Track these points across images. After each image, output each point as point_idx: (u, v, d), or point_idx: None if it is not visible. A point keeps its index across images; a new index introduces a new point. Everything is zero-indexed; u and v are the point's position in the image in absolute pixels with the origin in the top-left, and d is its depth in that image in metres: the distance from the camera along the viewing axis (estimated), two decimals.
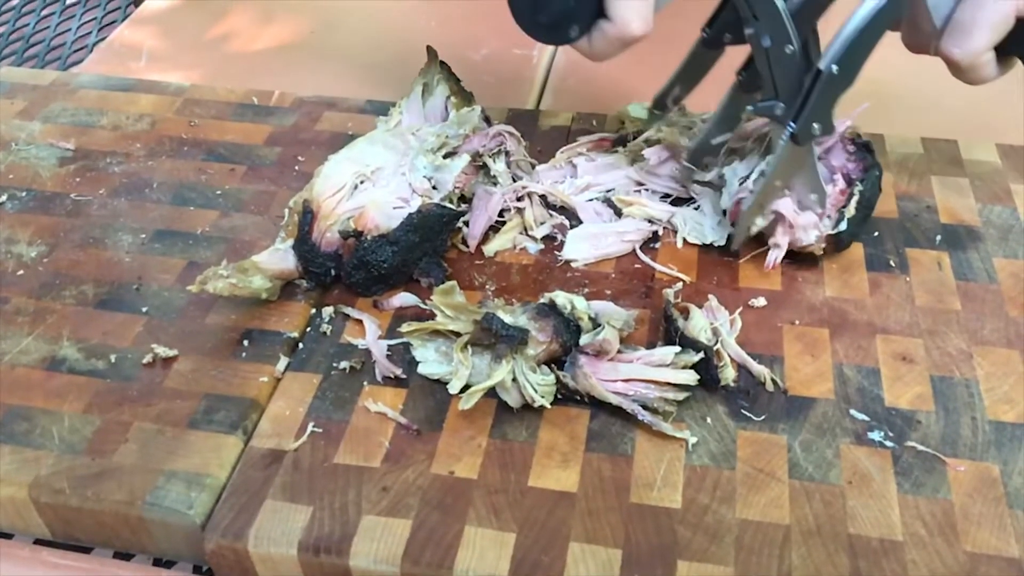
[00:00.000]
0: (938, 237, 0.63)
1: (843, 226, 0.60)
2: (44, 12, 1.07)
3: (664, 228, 0.65)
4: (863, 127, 0.72)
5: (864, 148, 0.62)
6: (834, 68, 0.54)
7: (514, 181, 0.67)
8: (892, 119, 0.75)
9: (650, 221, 0.65)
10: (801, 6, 0.55)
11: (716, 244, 0.63)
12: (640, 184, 0.67)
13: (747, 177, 0.60)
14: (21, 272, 0.63)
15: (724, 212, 0.63)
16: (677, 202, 0.66)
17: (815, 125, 0.56)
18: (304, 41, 0.92)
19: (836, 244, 0.61)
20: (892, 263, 0.62)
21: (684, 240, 0.64)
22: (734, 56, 0.61)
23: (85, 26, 1.04)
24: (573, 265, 0.62)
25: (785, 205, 0.59)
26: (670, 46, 0.82)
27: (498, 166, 0.67)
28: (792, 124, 0.56)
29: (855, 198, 0.60)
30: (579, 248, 0.63)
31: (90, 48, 0.99)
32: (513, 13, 0.56)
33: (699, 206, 0.65)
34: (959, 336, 0.56)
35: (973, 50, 0.55)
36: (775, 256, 0.61)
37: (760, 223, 0.60)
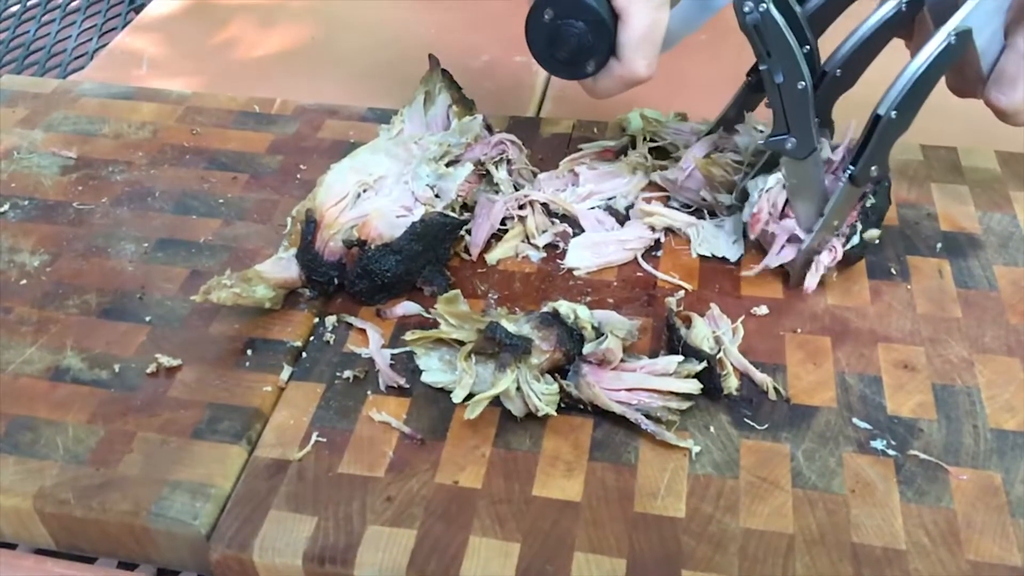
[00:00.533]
0: (939, 245, 0.64)
1: (855, 240, 0.60)
2: (44, 19, 1.07)
3: (666, 236, 0.65)
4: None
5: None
6: (893, 114, 0.55)
7: (516, 189, 0.67)
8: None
9: (652, 228, 0.65)
10: (814, 11, 0.56)
11: (729, 260, 0.63)
12: (660, 190, 0.67)
13: (768, 189, 0.60)
14: (24, 282, 0.63)
15: (744, 226, 0.62)
16: (695, 213, 0.66)
17: (873, 168, 0.57)
18: (305, 48, 0.92)
19: (848, 260, 0.61)
20: (893, 271, 0.62)
21: (696, 252, 0.63)
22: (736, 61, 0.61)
23: (85, 33, 1.04)
24: (575, 273, 0.63)
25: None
26: (672, 55, 0.82)
27: (500, 174, 0.67)
28: (852, 167, 0.57)
29: (867, 210, 0.60)
30: (581, 256, 0.63)
31: (91, 55, 0.99)
32: (531, 48, 0.58)
33: (721, 223, 0.65)
34: (960, 344, 0.57)
35: (1019, 99, 0.57)
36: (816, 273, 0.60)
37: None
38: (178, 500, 0.49)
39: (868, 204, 0.60)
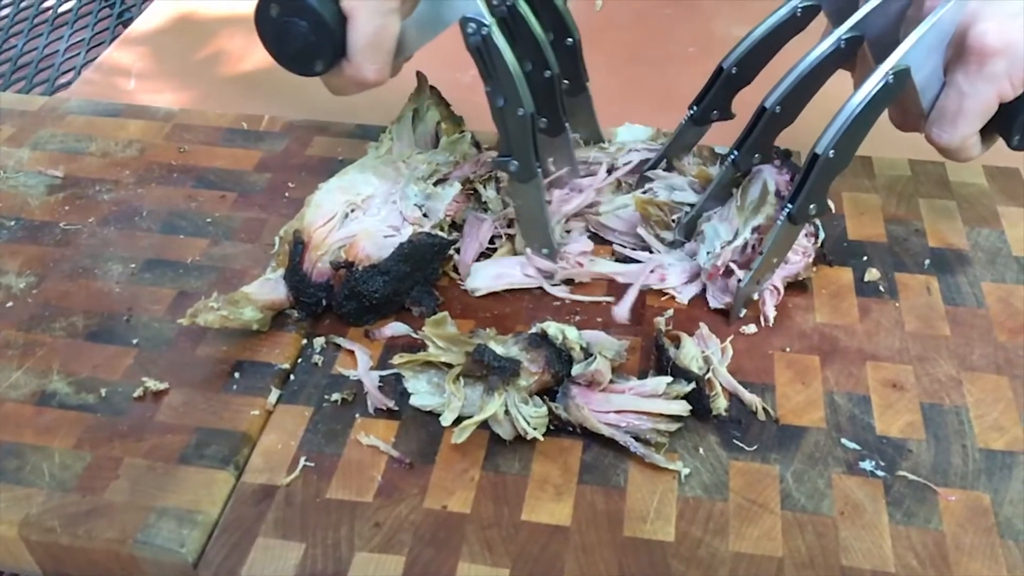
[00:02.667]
0: (927, 261, 0.64)
1: (822, 234, 0.61)
2: (32, 33, 1.06)
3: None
4: None
5: (784, 155, 0.62)
6: (831, 153, 0.55)
7: (505, 207, 0.67)
8: (879, 138, 0.75)
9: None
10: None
11: (684, 303, 0.61)
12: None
13: (730, 242, 0.60)
14: (10, 304, 0.62)
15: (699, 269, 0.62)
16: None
17: (811, 206, 0.57)
18: None
19: (824, 256, 0.62)
20: (882, 288, 0.62)
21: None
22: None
23: (73, 48, 1.04)
24: (476, 295, 0.62)
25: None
26: (661, 69, 0.82)
27: (489, 192, 0.67)
28: (790, 205, 0.57)
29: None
30: (481, 278, 0.63)
31: (78, 70, 0.99)
32: (263, 43, 0.58)
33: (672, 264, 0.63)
34: (949, 362, 0.57)
35: (960, 136, 0.57)
36: (771, 305, 0.60)
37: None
38: (165, 527, 0.49)
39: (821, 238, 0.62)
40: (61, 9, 1.11)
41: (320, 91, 0.88)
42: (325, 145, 0.76)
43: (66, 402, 0.56)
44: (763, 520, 0.49)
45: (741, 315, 0.60)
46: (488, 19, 0.54)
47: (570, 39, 0.63)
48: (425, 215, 0.63)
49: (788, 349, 0.58)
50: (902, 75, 0.54)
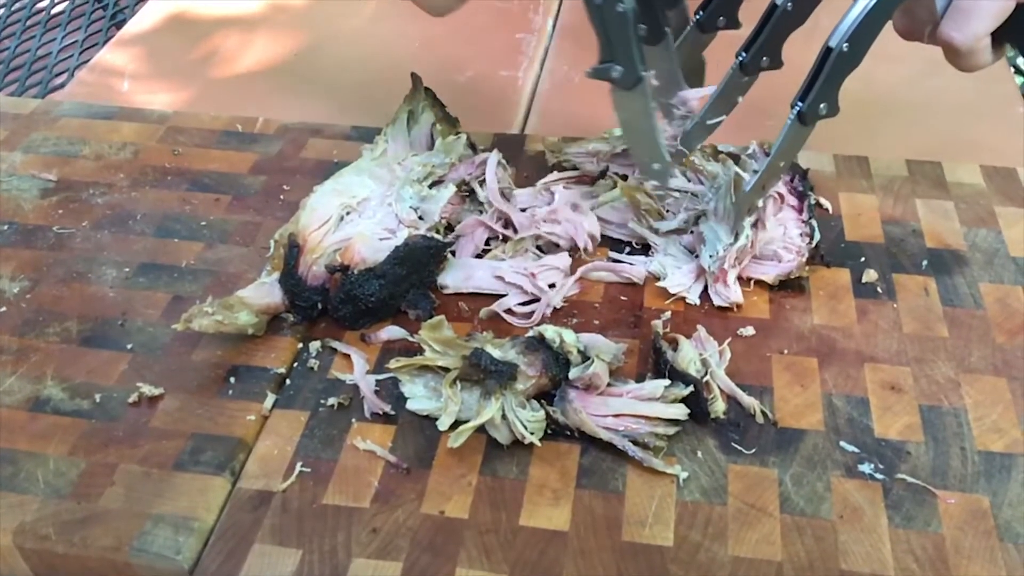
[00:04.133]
0: (924, 262, 0.64)
1: (817, 235, 0.61)
2: (24, 35, 1.06)
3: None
4: (849, 149, 0.73)
5: (802, 173, 0.63)
6: (845, 47, 0.53)
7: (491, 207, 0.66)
8: (875, 139, 0.75)
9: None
10: None
11: (691, 301, 0.61)
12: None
13: (732, 243, 0.60)
14: (4, 309, 0.62)
15: (702, 268, 0.62)
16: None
17: (822, 105, 0.55)
18: (288, 64, 0.92)
19: (821, 257, 0.62)
20: (879, 289, 0.62)
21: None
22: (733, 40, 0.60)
23: (66, 49, 1.03)
24: (444, 292, 0.62)
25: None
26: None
27: (485, 193, 0.67)
28: (800, 103, 0.55)
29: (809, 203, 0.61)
30: (452, 276, 0.62)
31: (71, 72, 0.98)
32: None
33: (678, 265, 0.63)
34: (947, 364, 0.57)
35: (973, 34, 0.55)
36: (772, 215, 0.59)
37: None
38: (160, 534, 0.49)
39: (809, 197, 0.61)
40: (54, 11, 1.10)
41: (315, 93, 0.88)
42: (320, 147, 0.76)
43: (60, 408, 0.55)
44: (762, 524, 0.48)
45: (745, 224, 0.59)
46: None
47: None
48: (421, 217, 0.63)
49: (786, 351, 0.58)
50: None
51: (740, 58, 0.58)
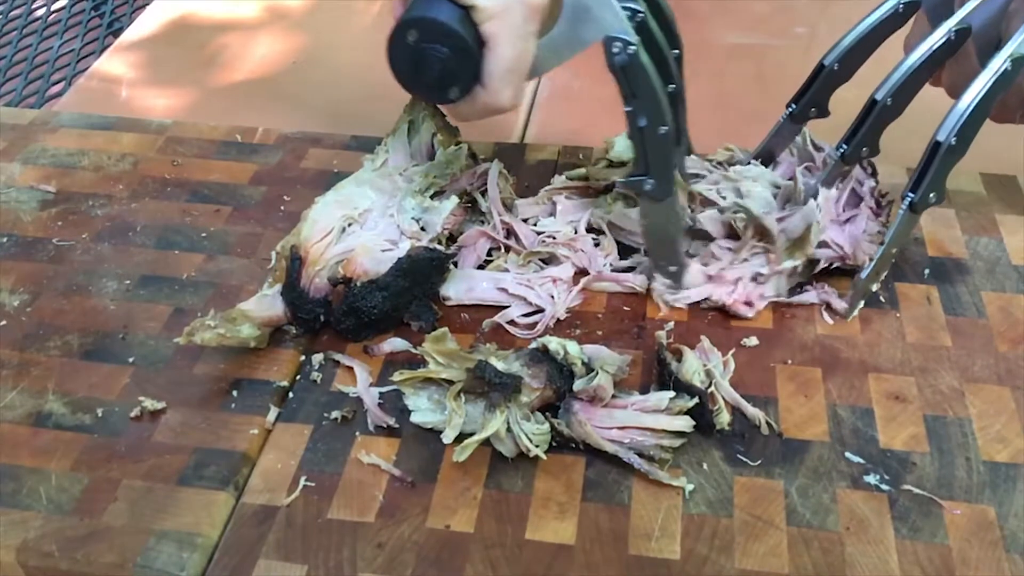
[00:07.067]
0: (926, 271, 0.64)
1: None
2: (21, 44, 1.06)
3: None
4: None
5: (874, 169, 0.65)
6: (953, 140, 0.56)
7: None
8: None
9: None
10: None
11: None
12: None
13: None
14: (4, 322, 0.62)
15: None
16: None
17: (931, 194, 0.58)
18: (287, 72, 0.91)
19: None
20: (882, 298, 0.62)
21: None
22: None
23: (63, 57, 1.03)
24: (447, 304, 0.62)
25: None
26: None
27: (486, 203, 0.67)
28: (911, 194, 0.58)
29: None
30: (454, 288, 0.62)
31: (69, 80, 0.98)
32: (393, 70, 0.55)
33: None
34: (950, 373, 0.57)
35: None
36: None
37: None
38: (164, 551, 0.48)
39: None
40: (50, 19, 1.10)
41: (315, 102, 0.88)
42: (320, 157, 0.75)
43: (62, 423, 0.55)
44: (769, 536, 0.48)
45: (856, 311, 0.60)
46: (634, 38, 0.52)
47: (676, 50, 0.61)
48: (423, 228, 0.63)
49: (790, 361, 0.58)
50: (1020, 62, 0.56)
51: (842, 150, 0.61)
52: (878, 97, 0.59)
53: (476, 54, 0.54)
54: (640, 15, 0.55)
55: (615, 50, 0.53)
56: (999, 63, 0.56)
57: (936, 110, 0.58)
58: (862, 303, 0.61)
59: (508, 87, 0.54)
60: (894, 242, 0.59)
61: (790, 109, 0.65)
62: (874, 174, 0.65)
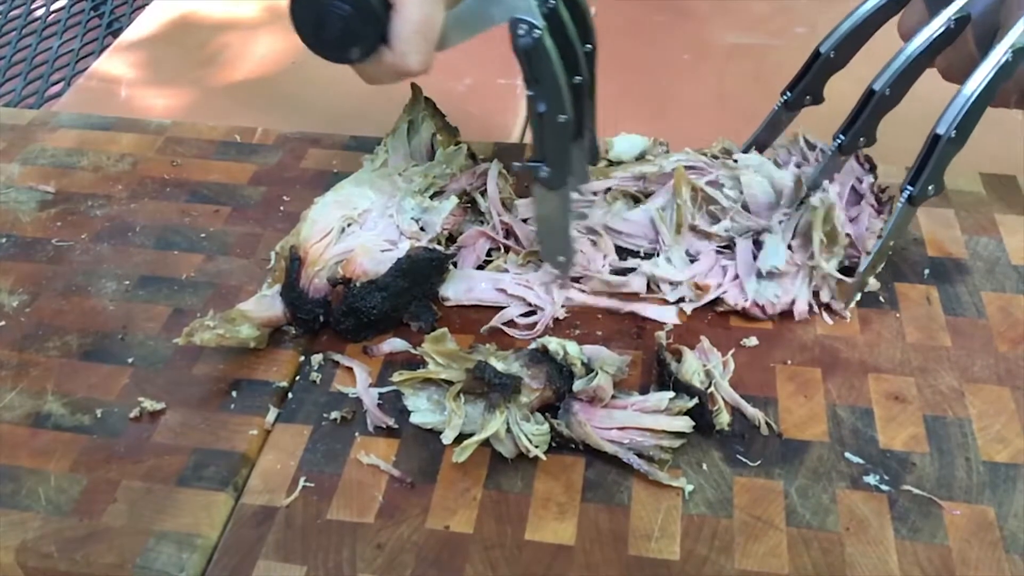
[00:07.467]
0: (926, 271, 0.64)
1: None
2: (20, 44, 1.05)
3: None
4: None
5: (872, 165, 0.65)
6: (952, 133, 0.56)
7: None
8: (874, 147, 0.75)
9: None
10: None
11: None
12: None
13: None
14: (3, 323, 0.62)
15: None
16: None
17: (930, 187, 0.58)
18: (286, 72, 0.91)
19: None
20: (882, 298, 0.62)
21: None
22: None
23: (62, 58, 1.03)
24: (447, 304, 0.62)
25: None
26: (654, 77, 0.82)
27: (486, 203, 0.67)
28: (910, 187, 0.58)
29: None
30: (453, 288, 0.62)
31: (68, 81, 0.98)
32: (296, 27, 0.55)
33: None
34: (950, 374, 0.57)
35: None
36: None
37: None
38: (164, 551, 0.48)
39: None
40: (50, 19, 1.10)
41: (314, 102, 0.88)
42: (319, 157, 0.75)
43: (61, 424, 0.55)
44: (769, 537, 0.48)
45: (853, 304, 0.60)
46: (540, 22, 0.52)
47: (588, 45, 0.60)
48: (422, 229, 0.63)
49: (789, 361, 0.58)
50: (1021, 52, 0.55)
51: (839, 140, 0.61)
52: (876, 87, 0.58)
53: (380, 14, 0.53)
54: (551, 3, 0.54)
55: (520, 32, 0.52)
56: (1000, 54, 0.55)
57: (933, 106, 0.57)
58: (858, 296, 0.61)
59: (415, 50, 0.54)
60: (892, 235, 0.59)
61: (785, 97, 0.65)
62: (872, 170, 0.65)
